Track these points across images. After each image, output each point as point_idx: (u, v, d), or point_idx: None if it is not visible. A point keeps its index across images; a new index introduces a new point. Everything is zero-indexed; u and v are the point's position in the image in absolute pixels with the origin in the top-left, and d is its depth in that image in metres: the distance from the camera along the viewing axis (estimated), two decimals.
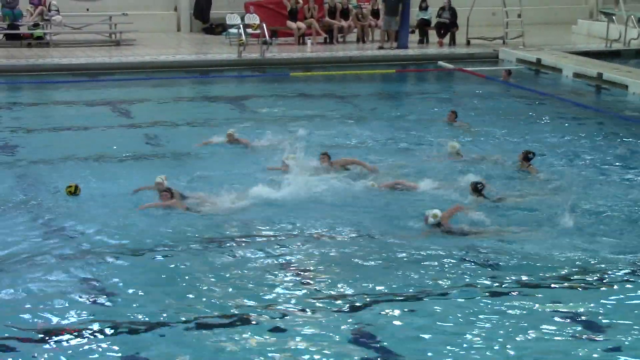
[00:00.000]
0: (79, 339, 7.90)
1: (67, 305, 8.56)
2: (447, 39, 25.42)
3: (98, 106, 18.16)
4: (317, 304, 8.69)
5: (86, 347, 7.79)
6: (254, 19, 24.91)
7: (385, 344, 7.87)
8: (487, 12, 27.14)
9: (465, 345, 7.84)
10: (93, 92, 19.77)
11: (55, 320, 8.26)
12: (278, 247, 10.24)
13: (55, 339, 7.90)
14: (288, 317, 8.40)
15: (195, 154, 14.16)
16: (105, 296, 8.81)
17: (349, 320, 8.34)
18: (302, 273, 9.52)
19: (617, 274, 9.46)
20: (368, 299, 8.78)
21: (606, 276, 9.40)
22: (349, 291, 8.99)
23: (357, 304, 8.69)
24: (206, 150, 14.32)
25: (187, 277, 9.31)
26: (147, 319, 8.31)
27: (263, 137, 14.74)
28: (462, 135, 15.41)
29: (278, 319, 8.35)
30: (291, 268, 9.66)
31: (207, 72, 22.37)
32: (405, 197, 11.94)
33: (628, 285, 9.21)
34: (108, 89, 20.23)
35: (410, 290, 9.02)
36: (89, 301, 8.70)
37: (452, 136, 15.24)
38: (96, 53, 23.22)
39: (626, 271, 9.50)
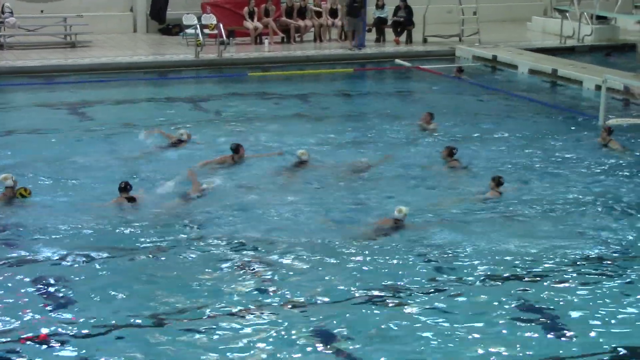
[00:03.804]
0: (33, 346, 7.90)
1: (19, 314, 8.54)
2: (403, 37, 25.56)
3: (54, 109, 17.98)
4: (275, 304, 8.76)
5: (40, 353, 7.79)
6: (210, 19, 24.80)
7: (348, 343, 7.93)
8: (443, 10, 27.29)
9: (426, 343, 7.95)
10: (49, 95, 19.56)
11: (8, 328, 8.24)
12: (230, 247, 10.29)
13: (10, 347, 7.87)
14: (245, 317, 8.46)
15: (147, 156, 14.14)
16: (59, 302, 8.80)
17: (308, 320, 8.41)
18: (258, 274, 9.57)
19: (563, 268, 9.71)
20: (332, 298, 8.87)
21: (560, 270, 9.60)
22: (311, 291, 9.04)
23: (321, 303, 8.76)
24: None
25: (141, 279, 9.35)
26: (102, 322, 8.32)
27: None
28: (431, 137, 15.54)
29: (236, 320, 8.40)
30: (249, 269, 9.71)
31: (164, 73, 22.25)
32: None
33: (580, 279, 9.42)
34: (64, 91, 20.03)
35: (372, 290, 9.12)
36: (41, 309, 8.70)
37: (422, 136, 15.40)
38: (52, 55, 22.96)
39: (572, 265, 9.78)
